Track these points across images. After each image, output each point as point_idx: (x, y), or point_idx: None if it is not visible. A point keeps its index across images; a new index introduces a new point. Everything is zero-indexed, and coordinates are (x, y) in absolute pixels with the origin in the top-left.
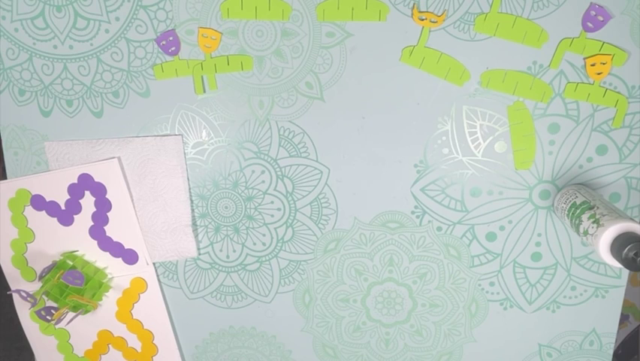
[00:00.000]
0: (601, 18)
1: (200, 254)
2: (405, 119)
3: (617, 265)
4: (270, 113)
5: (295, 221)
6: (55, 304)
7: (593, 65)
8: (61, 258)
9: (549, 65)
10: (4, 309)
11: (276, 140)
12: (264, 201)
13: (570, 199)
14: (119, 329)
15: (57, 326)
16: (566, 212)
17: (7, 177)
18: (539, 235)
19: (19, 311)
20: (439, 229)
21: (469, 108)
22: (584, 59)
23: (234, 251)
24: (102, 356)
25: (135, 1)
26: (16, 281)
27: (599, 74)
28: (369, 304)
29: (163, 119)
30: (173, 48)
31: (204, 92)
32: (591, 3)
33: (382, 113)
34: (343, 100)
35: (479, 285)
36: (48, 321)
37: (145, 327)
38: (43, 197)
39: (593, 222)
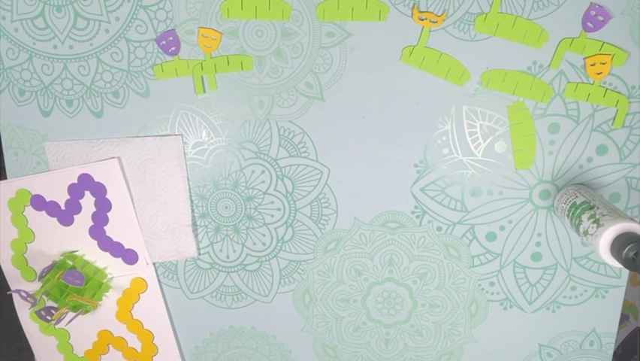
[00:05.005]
0: (601, 18)
1: (200, 254)
2: (405, 119)
3: (617, 265)
4: (270, 113)
5: (295, 221)
6: (55, 304)
7: (592, 65)
8: (61, 258)
9: (549, 65)
10: (4, 309)
11: (276, 140)
12: (264, 201)
13: (570, 199)
14: (119, 329)
15: (57, 326)
16: (566, 212)
17: (7, 177)
18: (539, 235)
19: (19, 311)
20: (439, 229)
21: (469, 108)
22: (584, 59)
23: (234, 251)
24: (102, 356)
25: (135, 1)
26: (16, 281)
27: (598, 74)
28: (369, 304)
29: (163, 119)
30: (173, 48)
31: (204, 92)
32: (591, 3)
33: (382, 114)
34: (343, 100)
35: (479, 285)
36: (48, 321)
37: (145, 327)
38: (43, 197)
39: (593, 222)
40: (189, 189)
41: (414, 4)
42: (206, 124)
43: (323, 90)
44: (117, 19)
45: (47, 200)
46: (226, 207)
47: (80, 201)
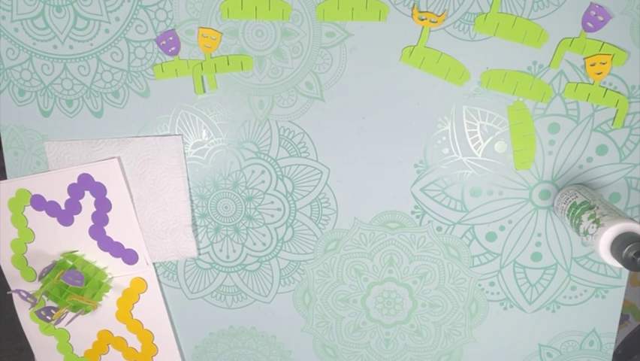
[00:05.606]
0: (601, 18)
1: (200, 254)
2: (405, 119)
3: (617, 265)
4: (270, 113)
5: (295, 221)
6: (55, 304)
7: (592, 65)
8: (61, 258)
9: (549, 65)
10: (4, 309)
11: (276, 140)
12: (264, 201)
13: (570, 199)
14: (119, 329)
15: (57, 326)
16: (566, 212)
17: (7, 177)
18: (539, 235)
19: (19, 311)
20: (439, 229)
21: (469, 108)
22: (584, 59)
23: (234, 251)
24: (102, 356)
25: (135, 1)
26: (16, 281)
27: (598, 74)
28: (369, 305)
29: (163, 119)
30: (173, 48)
31: (204, 92)
32: (591, 3)
33: (382, 114)
34: (343, 100)
35: (479, 285)
36: (48, 321)
37: (145, 327)
38: (43, 197)
39: (593, 222)
40: (189, 189)
41: (414, 4)
42: (206, 124)
43: (323, 90)
44: (117, 19)
45: (47, 200)
46: (226, 207)
47: (80, 201)
